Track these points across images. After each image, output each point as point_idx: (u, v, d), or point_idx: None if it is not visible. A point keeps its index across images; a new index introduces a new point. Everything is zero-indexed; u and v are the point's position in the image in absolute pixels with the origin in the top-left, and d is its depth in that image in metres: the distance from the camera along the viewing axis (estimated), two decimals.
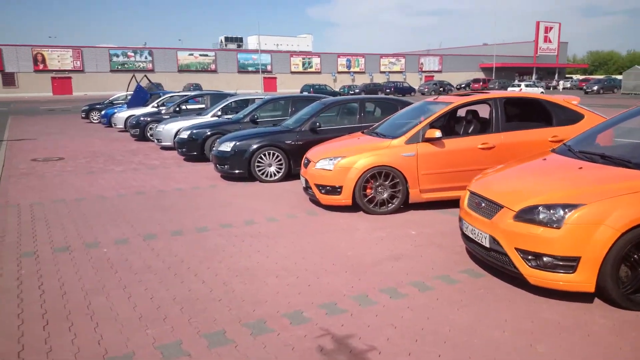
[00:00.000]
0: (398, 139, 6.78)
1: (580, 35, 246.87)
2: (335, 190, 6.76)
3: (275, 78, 73.63)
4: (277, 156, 9.19)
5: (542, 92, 47.32)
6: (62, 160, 12.23)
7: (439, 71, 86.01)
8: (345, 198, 6.71)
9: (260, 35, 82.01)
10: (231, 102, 14.19)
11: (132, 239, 5.77)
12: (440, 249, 5.27)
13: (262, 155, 9.14)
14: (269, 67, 72.92)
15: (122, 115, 19.28)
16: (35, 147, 14.60)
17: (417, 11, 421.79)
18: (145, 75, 25.34)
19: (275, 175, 9.25)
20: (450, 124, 7.83)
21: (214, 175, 9.97)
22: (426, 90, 57.92)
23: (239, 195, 8.13)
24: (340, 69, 78.36)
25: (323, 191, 6.88)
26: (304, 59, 76.93)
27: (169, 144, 13.86)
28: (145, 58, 64.47)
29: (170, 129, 13.89)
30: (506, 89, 52.72)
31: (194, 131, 11.73)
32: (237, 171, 9.19)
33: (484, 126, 7.50)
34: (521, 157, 5.49)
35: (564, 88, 57.36)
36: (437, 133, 6.56)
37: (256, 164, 9.12)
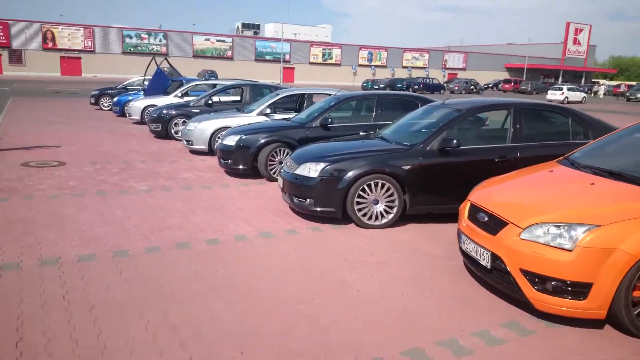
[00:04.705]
0: None
1: (602, 39, 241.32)
2: (569, 289, 3.51)
3: (293, 68, 69.95)
4: (388, 188, 5.96)
5: (584, 98, 43.68)
6: (63, 166, 9.02)
7: (463, 69, 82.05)
8: (596, 308, 3.44)
9: (279, 24, 78.08)
10: (279, 99, 10.94)
11: None
12: None
13: (365, 187, 5.92)
14: (287, 57, 69.23)
15: (138, 104, 16.05)
16: (31, 142, 11.40)
17: (430, 6, 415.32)
18: (166, 58, 21.87)
19: (383, 217, 6.01)
20: None
21: (280, 204, 6.76)
22: (456, 88, 54.31)
23: (346, 261, 4.88)
24: (360, 61, 74.57)
25: (545, 288, 3.60)
26: (324, 49, 73.13)
27: (202, 147, 10.70)
28: (160, 41, 60.95)
29: (204, 128, 10.71)
30: (545, 92, 49.00)
31: (244, 137, 8.51)
32: (321, 209, 5.95)
33: None
34: None
35: (604, 94, 53.13)
36: None
37: (356, 199, 5.91)
